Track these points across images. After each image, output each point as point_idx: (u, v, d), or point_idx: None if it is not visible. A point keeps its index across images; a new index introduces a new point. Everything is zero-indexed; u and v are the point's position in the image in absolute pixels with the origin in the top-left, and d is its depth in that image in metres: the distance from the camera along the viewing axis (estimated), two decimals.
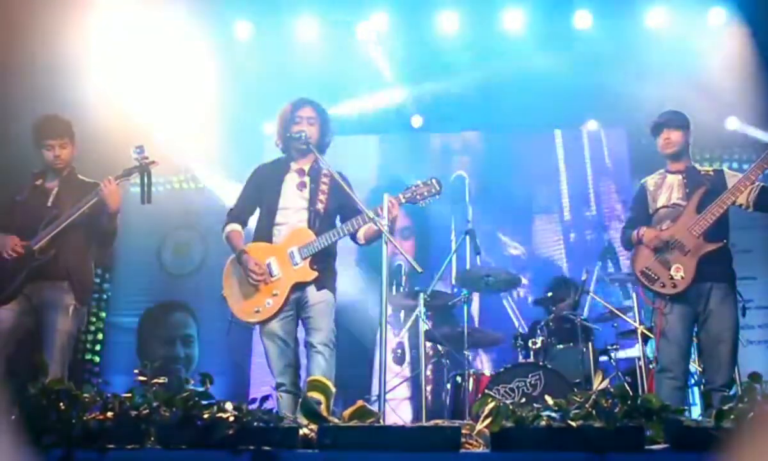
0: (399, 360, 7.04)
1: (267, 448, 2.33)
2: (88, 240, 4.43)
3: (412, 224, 7.65)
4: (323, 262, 4.06)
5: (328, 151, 4.31)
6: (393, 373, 6.66)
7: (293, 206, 4.15)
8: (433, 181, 4.03)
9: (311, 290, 4.02)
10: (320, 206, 4.14)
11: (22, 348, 4.29)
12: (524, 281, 7.01)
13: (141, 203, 4.30)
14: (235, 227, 4.24)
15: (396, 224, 3.93)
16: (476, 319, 7.19)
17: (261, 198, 4.25)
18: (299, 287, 4.03)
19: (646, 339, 5.34)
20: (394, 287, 7.26)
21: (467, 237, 5.92)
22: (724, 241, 4.26)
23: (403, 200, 3.98)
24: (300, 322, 4.10)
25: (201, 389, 2.55)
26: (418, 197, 4.01)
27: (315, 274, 4.00)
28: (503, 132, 7.80)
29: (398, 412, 6.45)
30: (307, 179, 4.21)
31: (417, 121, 7.86)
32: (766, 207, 4.32)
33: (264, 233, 4.15)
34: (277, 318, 4.01)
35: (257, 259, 4.03)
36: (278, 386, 3.99)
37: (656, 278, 4.25)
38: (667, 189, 4.45)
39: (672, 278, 4.21)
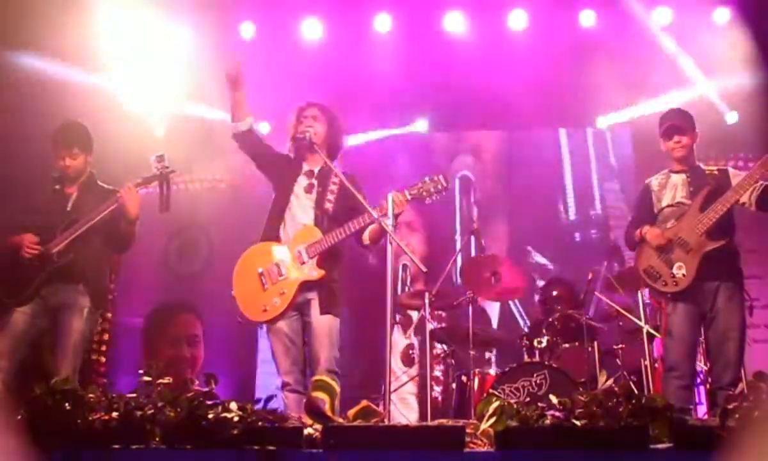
0: (409, 361, 7.01)
1: (271, 448, 2.34)
2: (105, 245, 4.48)
3: (417, 218, 7.63)
4: (331, 266, 4.04)
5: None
6: (401, 373, 6.66)
7: (301, 206, 4.15)
8: (440, 177, 3.94)
9: (315, 312, 3.99)
10: (328, 206, 4.13)
11: (34, 350, 4.32)
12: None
13: (159, 211, 4.34)
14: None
15: (398, 219, 3.87)
16: (495, 321, 7.18)
17: (274, 181, 4.26)
18: (306, 286, 4.01)
19: (651, 338, 5.32)
20: (399, 287, 7.26)
21: (472, 237, 5.90)
22: (728, 239, 4.24)
23: (409, 197, 3.90)
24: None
25: (206, 389, 2.55)
26: (424, 193, 3.92)
27: (322, 272, 3.98)
28: (508, 131, 7.77)
29: (403, 408, 6.42)
30: (315, 182, 4.20)
31: (422, 120, 7.85)
32: None
33: (272, 233, 4.14)
34: (284, 317, 4.01)
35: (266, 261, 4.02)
36: (284, 385, 3.98)
37: (658, 276, 4.25)
38: (671, 188, 4.44)
39: (674, 276, 4.20)
